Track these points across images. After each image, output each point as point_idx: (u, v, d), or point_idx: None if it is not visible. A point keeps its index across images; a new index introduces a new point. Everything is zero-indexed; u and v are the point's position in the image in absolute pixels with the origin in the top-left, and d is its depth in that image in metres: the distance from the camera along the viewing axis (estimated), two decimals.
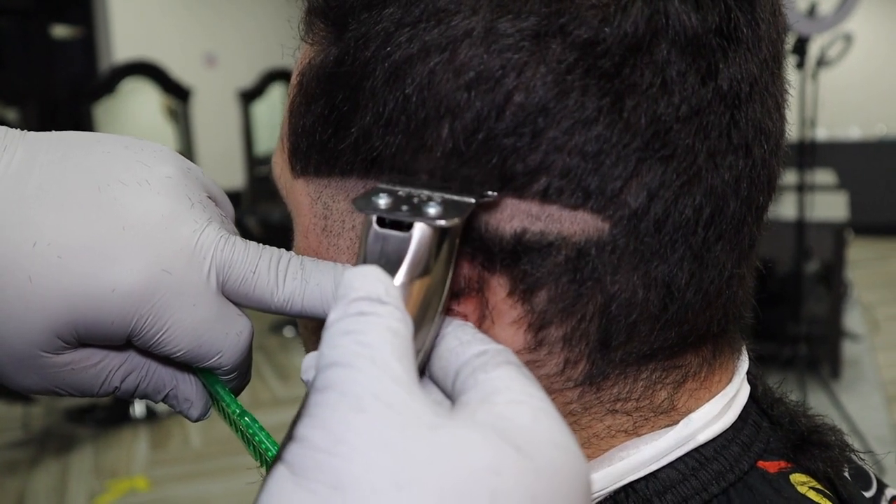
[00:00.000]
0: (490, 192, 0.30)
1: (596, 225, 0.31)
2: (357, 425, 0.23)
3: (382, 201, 0.29)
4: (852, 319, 4.07)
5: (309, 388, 0.26)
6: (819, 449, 0.38)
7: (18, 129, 0.35)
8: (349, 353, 0.24)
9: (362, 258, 0.29)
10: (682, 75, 0.30)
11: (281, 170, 0.38)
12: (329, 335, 0.26)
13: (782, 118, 0.35)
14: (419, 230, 0.29)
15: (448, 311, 0.32)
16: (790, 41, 2.84)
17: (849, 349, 3.69)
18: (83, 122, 4.59)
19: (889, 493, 0.41)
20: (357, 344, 0.25)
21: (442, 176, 0.31)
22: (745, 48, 0.32)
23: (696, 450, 0.35)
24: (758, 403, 0.40)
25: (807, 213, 3.07)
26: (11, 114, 4.36)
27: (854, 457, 0.40)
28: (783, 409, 0.40)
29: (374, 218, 0.29)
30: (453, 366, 0.28)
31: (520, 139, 0.30)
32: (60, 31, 5.05)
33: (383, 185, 0.31)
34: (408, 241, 0.29)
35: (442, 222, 0.29)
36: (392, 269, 0.28)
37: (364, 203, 0.30)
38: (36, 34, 4.79)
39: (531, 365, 0.33)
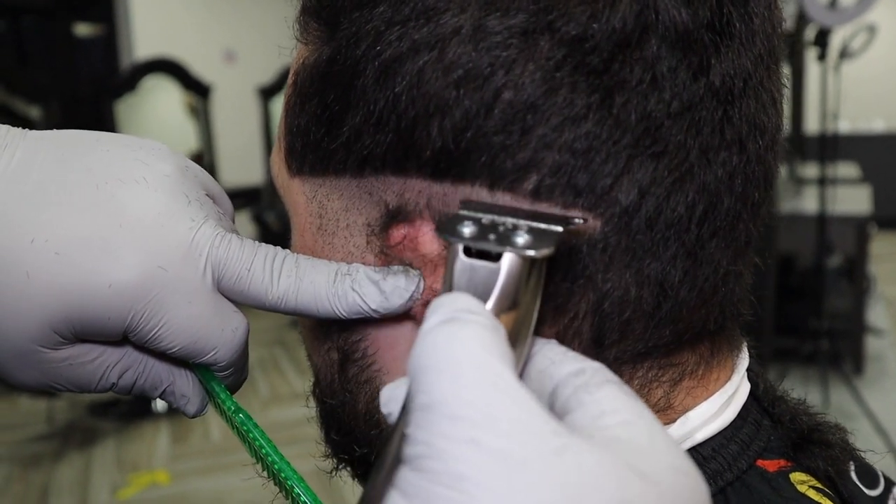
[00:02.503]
0: (577, 220, 0.30)
1: (587, 222, 0.31)
2: (474, 458, 0.21)
3: (468, 229, 0.28)
4: (875, 314, 4.01)
5: (390, 419, 0.26)
6: (820, 447, 0.38)
7: (20, 129, 0.36)
8: (446, 358, 0.23)
9: (448, 288, 0.28)
10: (673, 71, 0.30)
11: (278, 169, 0.38)
12: (422, 340, 0.24)
13: (778, 113, 0.35)
14: (508, 261, 0.27)
15: None
16: (812, 33, 2.80)
17: (872, 344, 3.64)
18: (105, 119, 4.64)
19: None
20: (451, 349, 0.23)
21: (432, 175, 0.31)
22: (738, 43, 0.31)
23: (693, 448, 0.35)
24: (759, 401, 0.39)
25: (829, 206, 3.03)
26: (34, 111, 4.40)
27: (861, 454, 0.40)
28: (784, 407, 0.39)
29: (461, 247, 0.28)
30: (547, 386, 0.27)
31: (509, 137, 0.30)
32: (82, 29, 5.11)
33: (466, 212, 0.29)
34: (497, 273, 0.27)
35: (532, 252, 0.27)
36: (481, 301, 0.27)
37: (449, 231, 0.29)
38: (58, 32, 4.84)
39: None
